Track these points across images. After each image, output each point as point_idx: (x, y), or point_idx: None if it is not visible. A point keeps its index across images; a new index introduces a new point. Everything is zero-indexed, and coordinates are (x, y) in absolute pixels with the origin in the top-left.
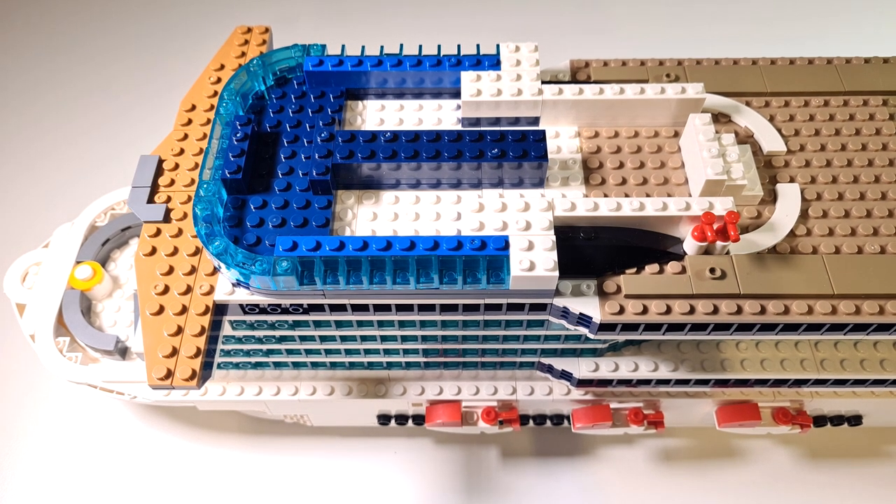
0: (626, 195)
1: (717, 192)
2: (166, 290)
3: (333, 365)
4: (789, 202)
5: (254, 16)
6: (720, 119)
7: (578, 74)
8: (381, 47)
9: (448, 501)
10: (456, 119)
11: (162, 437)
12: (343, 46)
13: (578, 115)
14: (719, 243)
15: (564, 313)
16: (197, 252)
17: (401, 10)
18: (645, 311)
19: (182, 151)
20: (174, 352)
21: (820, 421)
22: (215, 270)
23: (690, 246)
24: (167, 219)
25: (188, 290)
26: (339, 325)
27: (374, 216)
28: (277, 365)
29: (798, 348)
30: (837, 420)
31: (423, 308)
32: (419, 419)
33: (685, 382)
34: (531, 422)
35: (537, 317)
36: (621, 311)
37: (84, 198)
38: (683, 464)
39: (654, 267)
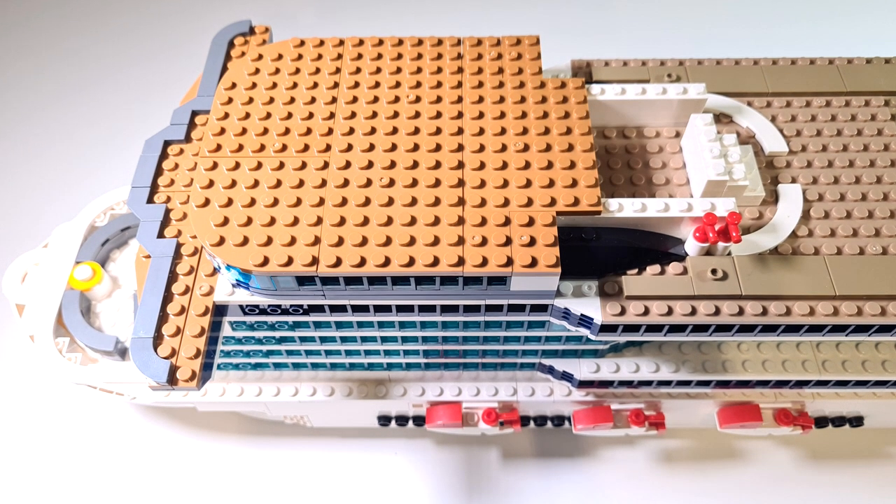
0: (628, 195)
1: (719, 192)
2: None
3: (333, 366)
4: (791, 203)
5: (254, 12)
6: (722, 119)
7: (579, 74)
8: None
9: (448, 502)
10: None
11: (162, 437)
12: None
13: None
14: (721, 244)
15: (565, 314)
16: (196, 252)
17: (400, 8)
18: (646, 312)
19: (181, 152)
20: (173, 353)
21: (821, 422)
22: (215, 271)
23: (692, 247)
24: (166, 220)
25: (187, 290)
26: (340, 325)
27: None
28: (277, 366)
29: (800, 349)
30: (839, 421)
31: (424, 309)
32: (420, 420)
33: (687, 383)
34: (532, 423)
35: (538, 318)
36: (623, 312)
37: (83, 197)
38: (684, 465)
39: (656, 268)
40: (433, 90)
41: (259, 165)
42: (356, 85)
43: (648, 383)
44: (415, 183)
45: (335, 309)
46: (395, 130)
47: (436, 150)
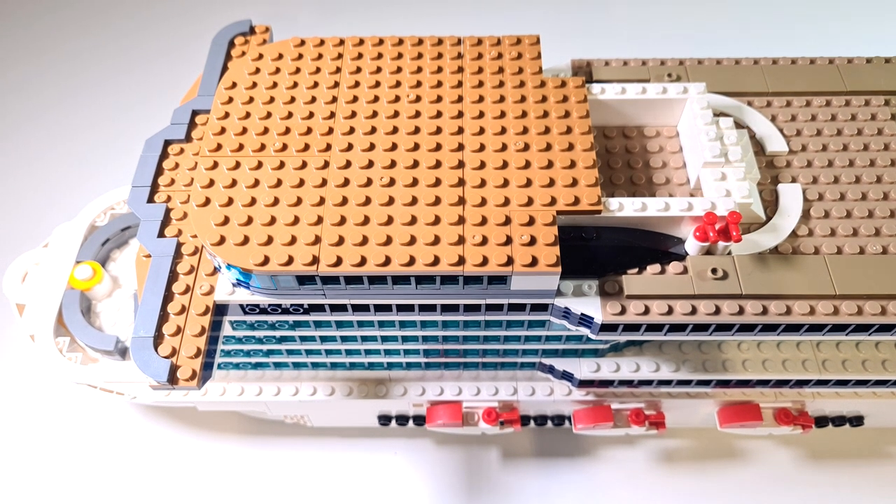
0: (628, 195)
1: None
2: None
3: (334, 365)
4: (791, 202)
5: (254, 12)
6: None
7: (580, 74)
8: None
9: (449, 502)
10: None
11: (162, 437)
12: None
13: None
14: (721, 243)
15: (566, 314)
16: (196, 252)
17: (400, 8)
18: (647, 311)
19: (182, 151)
20: (174, 352)
21: (821, 421)
22: (215, 270)
23: (692, 246)
24: (167, 219)
25: (188, 289)
26: (340, 325)
27: None
28: (278, 365)
29: (800, 349)
30: (839, 420)
31: (424, 308)
32: (420, 420)
33: (687, 383)
34: (532, 422)
35: (538, 317)
36: (623, 311)
37: (83, 197)
38: (685, 465)
39: (656, 267)
40: (433, 89)
41: (259, 165)
42: (356, 84)
43: (649, 383)
44: (415, 182)
45: (335, 308)
46: (395, 130)
47: (436, 149)
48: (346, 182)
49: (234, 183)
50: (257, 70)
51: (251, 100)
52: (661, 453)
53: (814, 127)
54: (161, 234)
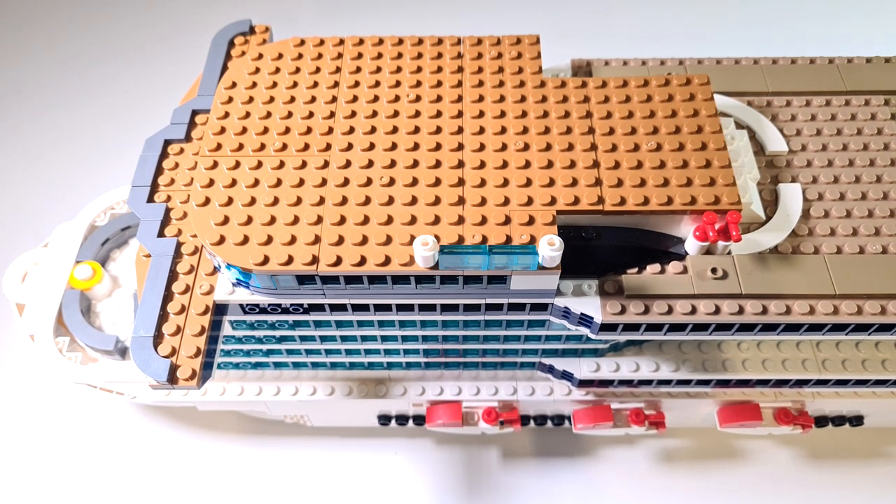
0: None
1: None
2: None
3: (334, 365)
4: (791, 202)
5: (254, 12)
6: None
7: (579, 74)
8: None
9: (448, 502)
10: None
11: (162, 437)
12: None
13: None
14: (721, 243)
15: (566, 313)
16: (196, 251)
17: (400, 9)
18: (646, 311)
19: (182, 151)
20: (174, 352)
21: (821, 421)
22: (215, 270)
23: (692, 246)
24: (167, 219)
25: (188, 289)
26: (340, 325)
27: None
28: (277, 365)
29: (800, 348)
30: (839, 420)
31: (424, 308)
32: (420, 419)
33: (687, 383)
34: (532, 422)
35: (538, 317)
36: (623, 311)
37: (83, 197)
38: (684, 464)
39: (656, 267)
40: (433, 89)
41: (259, 164)
42: (356, 84)
43: (648, 382)
44: (415, 182)
45: (335, 308)
46: (395, 129)
47: (436, 149)
48: (346, 182)
49: (233, 182)
50: (257, 70)
51: (251, 99)
52: (661, 453)
53: (813, 127)
54: (161, 234)
